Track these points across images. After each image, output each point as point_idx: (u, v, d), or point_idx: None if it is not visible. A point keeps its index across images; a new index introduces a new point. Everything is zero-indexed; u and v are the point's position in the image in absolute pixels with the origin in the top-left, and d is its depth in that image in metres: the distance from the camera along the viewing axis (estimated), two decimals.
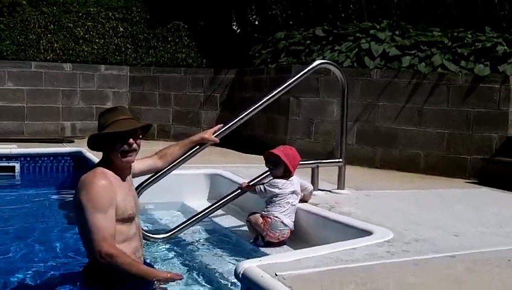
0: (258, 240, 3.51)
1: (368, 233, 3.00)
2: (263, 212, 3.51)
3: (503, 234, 3.17)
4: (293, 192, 3.54)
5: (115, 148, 2.67)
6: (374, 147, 6.03)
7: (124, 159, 2.70)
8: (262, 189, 3.54)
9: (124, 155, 2.69)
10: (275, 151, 3.56)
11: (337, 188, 4.31)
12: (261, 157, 3.69)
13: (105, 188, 2.57)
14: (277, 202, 3.49)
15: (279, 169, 3.54)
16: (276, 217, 3.46)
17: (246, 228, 3.75)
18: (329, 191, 4.26)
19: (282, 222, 3.47)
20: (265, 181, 3.64)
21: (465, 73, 5.54)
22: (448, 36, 5.96)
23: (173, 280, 2.63)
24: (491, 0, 5.88)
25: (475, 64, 5.54)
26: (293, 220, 3.54)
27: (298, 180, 3.63)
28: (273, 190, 3.50)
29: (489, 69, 5.44)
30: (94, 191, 2.54)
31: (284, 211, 3.49)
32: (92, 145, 2.77)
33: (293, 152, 3.62)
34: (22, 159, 6.29)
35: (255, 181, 3.81)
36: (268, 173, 3.70)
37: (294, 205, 3.55)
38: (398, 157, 5.87)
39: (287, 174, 3.55)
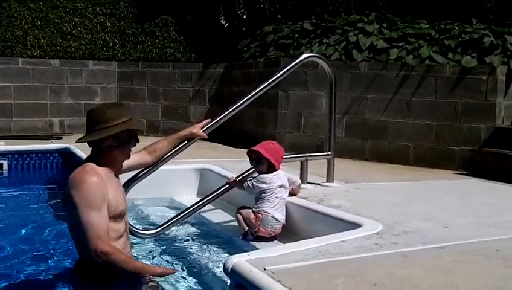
0: (248, 235, 3.51)
1: (357, 226, 3.01)
2: (254, 209, 3.51)
3: (491, 224, 3.19)
4: (281, 186, 3.54)
5: (128, 145, 2.73)
6: (363, 139, 6.04)
7: (129, 155, 2.80)
8: (250, 185, 3.54)
9: (130, 152, 2.79)
10: (256, 148, 3.56)
11: (326, 181, 4.31)
12: None
13: (97, 185, 2.55)
14: (266, 198, 3.50)
15: (263, 165, 3.54)
16: (267, 212, 3.47)
17: (235, 223, 3.75)
18: (319, 184, 4.27)
19: (274, 217, 3.48)
20: (253, 176, 3.64)
21: (453, 65, 5.56)
22: (436, 28, 5.98)
23: (167, 275, 2.63)
24: None
25: (462, 56, 5.56)
26: (284, 214, 3.55)
27: (285, 174, 3.63)
28: (260, 185, 3.50)
29: (477, 60, 5.46)
30: (86, 188, 2.52)
31: (274, 206, 3.49)
32: (94, 140, 2.69)
33: (275, 146, 3.62)
34: (10, 156, 6.24)
35: (243, 176, 3.81)
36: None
37: (283, 199, 3.55)
38: (387, 150, 5.89)
39: (271, 169, 3.55)
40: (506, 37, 5.55)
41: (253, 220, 3.46)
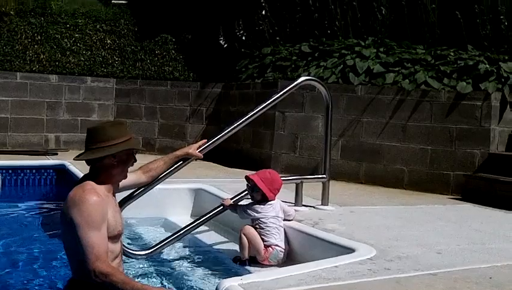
0: (246, 264, 3.43)
1: (350, 250, 3.01)
2: (264, 242, 3.44)
3: (485, 250, 3.20)
4: (274, 217, 3.51)
5: (127, 164, 2.75)
6: (358, 162, 6.06)
7: (126, 174, 2.81)
8: (243, 211, 3.53)
9: (127, 171, 2.80)
10: (252, 175, 3.54)
11: (321, 204, 4.31)
12: (247, 171, 3.71)
13: (97, 204, 2.55)
14: (266, 230, 3.46)
15: (257, 193, 3.53)
16: (277, 245, 3.45)
17: (228, 245, 3.73)
18: (313, 207, 4.27)
19: (282, 249, 3.46)
20: (247, 203, 3.60)
21: (448, 90, 5.61)
22: (432, 54, 6.04)
23: None
24: (473, 20, 5.97)
25: (457, 81, 5.62)
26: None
27: (281, 205, 3.61)
28: (252, 213, 3.50)
29: (472, 86, 5.52)
30: (86, 207, 2.51)
31: (279, 237, 3.48)
32: (94, 158, 2.68)
33: (272, 176, 3.59)
34: (4, 171, 6.21)
35: (237, 198, 3.80)
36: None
37: (282, 226, 3.55)
38: (382, 173, 5.91)
39: (265, 199, 3.52)
40: (500, 64, 5.62)
41: (263, 253, 3.42)
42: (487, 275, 2.66)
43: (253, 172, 3.63)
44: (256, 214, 3.48)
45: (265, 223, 3.48)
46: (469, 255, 3.08)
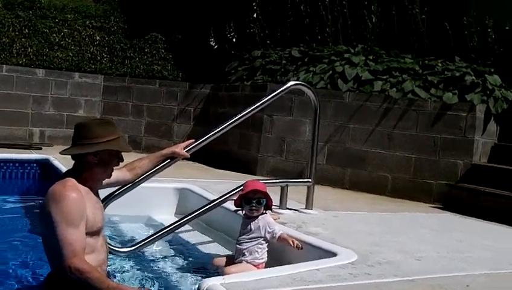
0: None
1: (332, 254, 3.04)
2: (258, 260, 3.24)
3: (463, 259, 3.25)
4: None
5: (109, 164, 2.72)
6: (344, 168, 6.10)
7: (110, 173, 2.78)
8: (278, 238, 3.26)
9: (112, 171, 2.78)
10: (259, 188, 3.29)
11: (305, 208, 4.34)
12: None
13: (76, 201, 2.54)
14: (265, 245, 3.30)
15: (262, 206, 3.30)
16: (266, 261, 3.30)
17: (210, 245, 3.72)
18: (298, 210, 4.30)
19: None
20: (271, 230, 3.31)
21: (434, 100, 5.68)
22: (420, 64, 6.12)
23: None
24: (461, 31, 6.06)
25: (444, 92, 5.69)
26: None
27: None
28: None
29: (457, 97, 5.60)
30: (66, 204, 2.51)
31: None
32: (77, 154, 2.69)
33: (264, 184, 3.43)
34: None
35: (225, 197, 3.77)
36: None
37: None
38: (367, 179, 5.96)
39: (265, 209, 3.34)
40: (486, 77, 5.70)
41: None
42: (464, 283, 2.71)
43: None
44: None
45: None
46: (448, 263, 3.13)
